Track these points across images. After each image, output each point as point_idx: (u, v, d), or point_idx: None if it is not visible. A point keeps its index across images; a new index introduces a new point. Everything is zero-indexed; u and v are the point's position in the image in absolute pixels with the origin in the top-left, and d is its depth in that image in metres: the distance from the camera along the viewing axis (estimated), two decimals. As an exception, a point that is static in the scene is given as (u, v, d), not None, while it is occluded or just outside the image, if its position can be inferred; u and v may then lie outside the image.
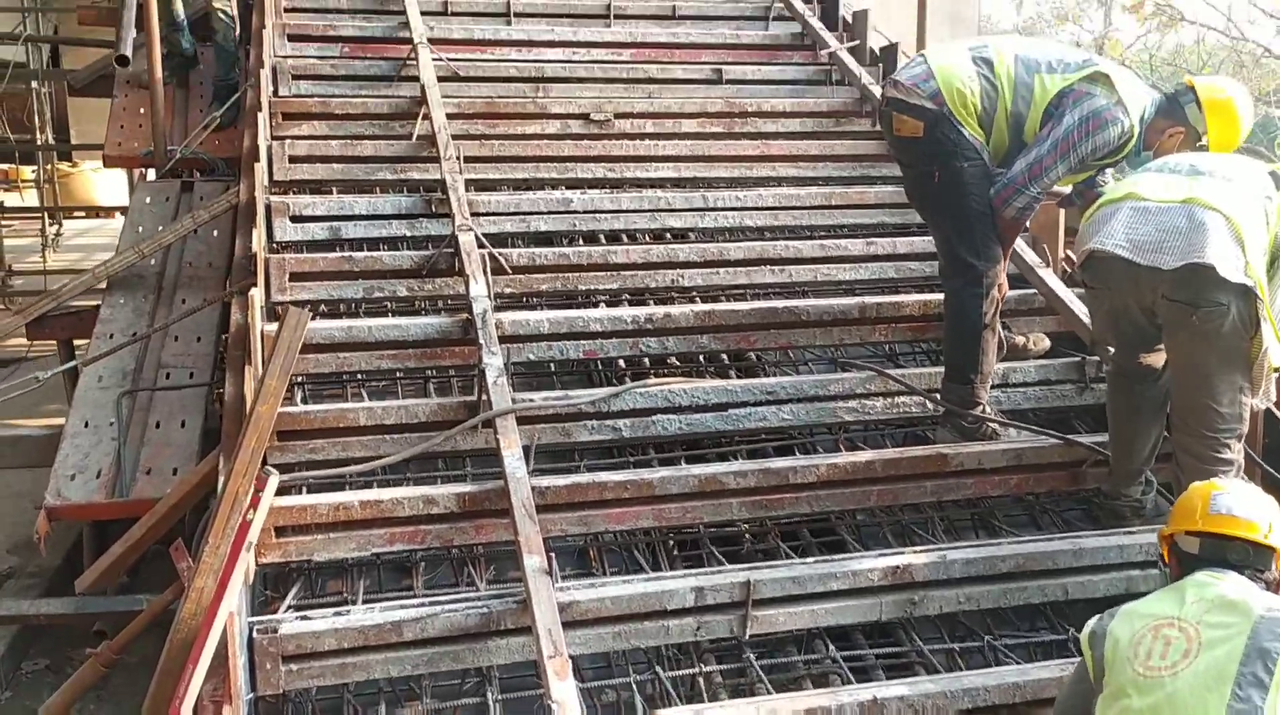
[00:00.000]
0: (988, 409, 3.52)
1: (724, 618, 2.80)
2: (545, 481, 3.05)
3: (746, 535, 3.30)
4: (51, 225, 13.42)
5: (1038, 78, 3.38)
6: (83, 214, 14.12)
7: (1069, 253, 4.20)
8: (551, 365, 3.85)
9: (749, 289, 4.14)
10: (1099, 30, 15.38)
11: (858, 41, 5.48)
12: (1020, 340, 3.82)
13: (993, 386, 3.57)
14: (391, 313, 3.91)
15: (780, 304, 3.84)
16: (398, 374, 3.71)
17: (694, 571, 2.88)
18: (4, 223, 11.68)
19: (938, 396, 3.57)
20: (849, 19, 5.74)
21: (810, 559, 2.97)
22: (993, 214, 3.35)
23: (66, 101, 14.57)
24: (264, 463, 2.97)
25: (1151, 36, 13.84)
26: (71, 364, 3.78)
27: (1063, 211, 4.17)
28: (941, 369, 3.61)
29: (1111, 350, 3.19)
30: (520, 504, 2.83)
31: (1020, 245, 4.02)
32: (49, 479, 3.48)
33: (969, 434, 3.47)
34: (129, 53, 4.00)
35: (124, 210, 6.63)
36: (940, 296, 3.76)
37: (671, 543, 3.26)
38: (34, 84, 11.80)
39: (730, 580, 2.79)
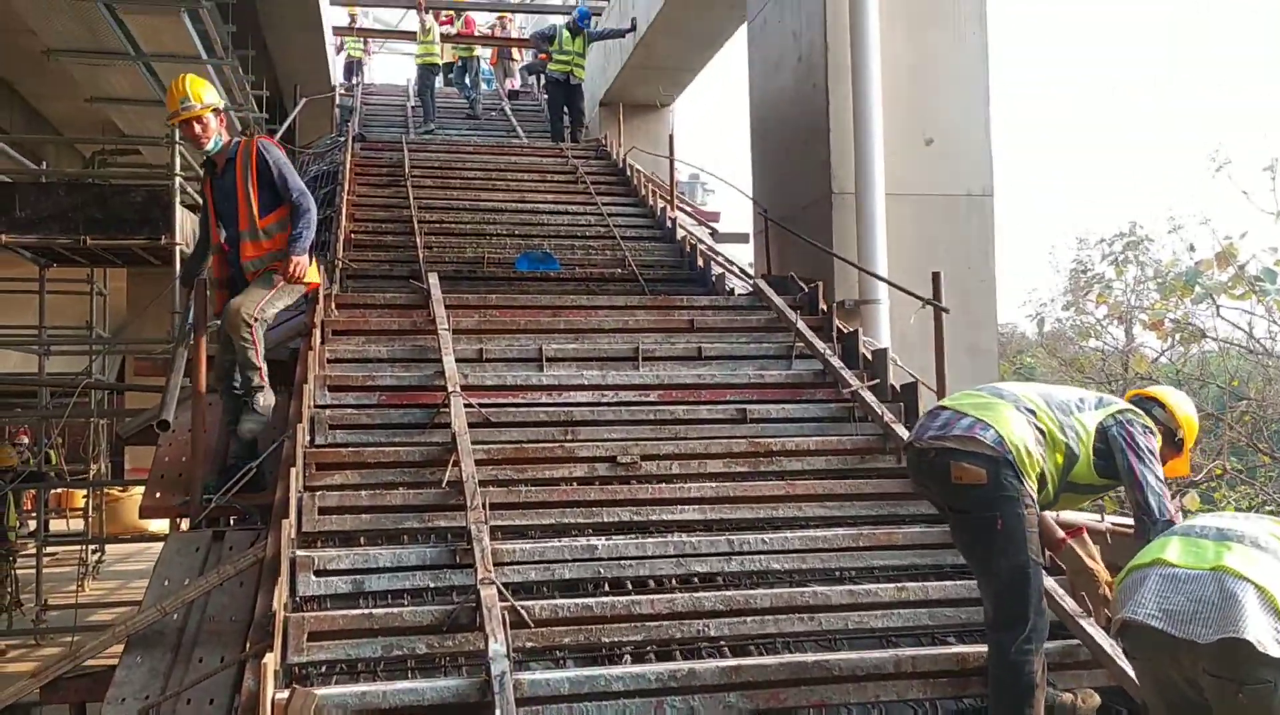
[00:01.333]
0: (1038, 773, 3.28)
1: None
2: None
3: None
4: (94, 552, 13.61)
5: (1075, 418, 3.63)
6: (127, 538, 14.32)
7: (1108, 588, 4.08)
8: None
9: (778, 638, 4.02)
10: (1122, 344, 15.76)
11: (878, 380, 5.63)
12: (1068, 698, 3.62)
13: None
14: (411, 672, 3.81)
15: (811, 658, 3.70)
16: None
17: None
18: (47, 551, 11.82)
19: (984, 761, 3.35)
20: (869, 356, 5.94)
21: None
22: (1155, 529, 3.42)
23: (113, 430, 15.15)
24: None
25: (1176, 350, 14.15)
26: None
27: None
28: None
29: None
30: None
31: (1059, 592, 3.91)
32: None
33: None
34: (171, 418, 4.19)
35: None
36: (981, 647, 3.61)
37: None
38: (92, 419, 12.38)
39: None
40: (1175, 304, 12.73)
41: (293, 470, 4.43)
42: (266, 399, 5.26)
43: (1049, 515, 3.87)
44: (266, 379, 5.28)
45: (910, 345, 6.50)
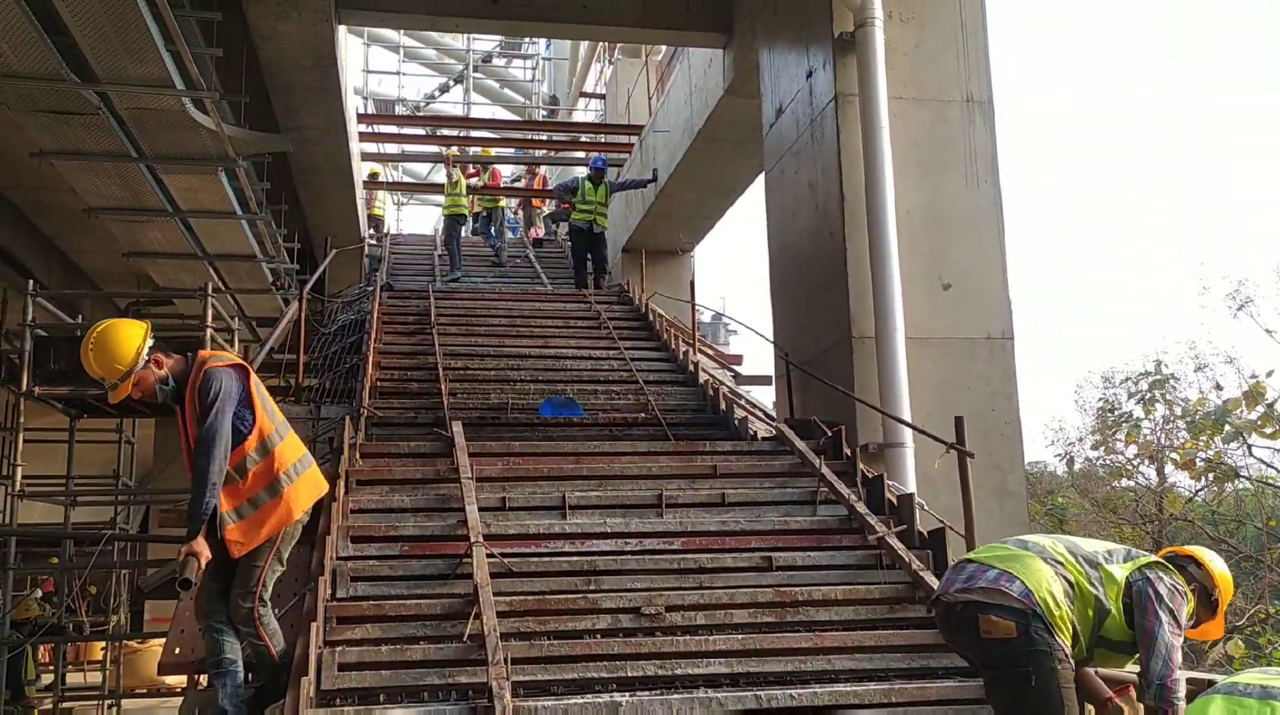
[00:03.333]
0: None
1: None
2: None
3: None
4: (111, 707, 13.35)
5: (1103, 571, 3.57)
6: (144, 691, 14.06)
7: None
8: None
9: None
10: (1154, 483, 15.54)
11: (905, 526, 5.56)
12: None
13: None
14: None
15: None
16: None
17: None
18: (64, 705, 11.63)
19: None
20: (895, 501, 5.88)
21: None
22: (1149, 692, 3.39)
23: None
24: None
25: (1210, 490, 13.94)
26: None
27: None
28: None
29: None
30: None
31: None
32: None
33: None
34: (193, 578, 4.12)
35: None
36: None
37: None
38: (115, 570, 12.33)
39: None
40: (1206, 442, 12.60)
41: (313, 626, 4.38)
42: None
43: (1091, 670, 3.76)
44: (279, 648, 4.44)
45: (937, 488, 6.43)
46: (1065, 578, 3.43)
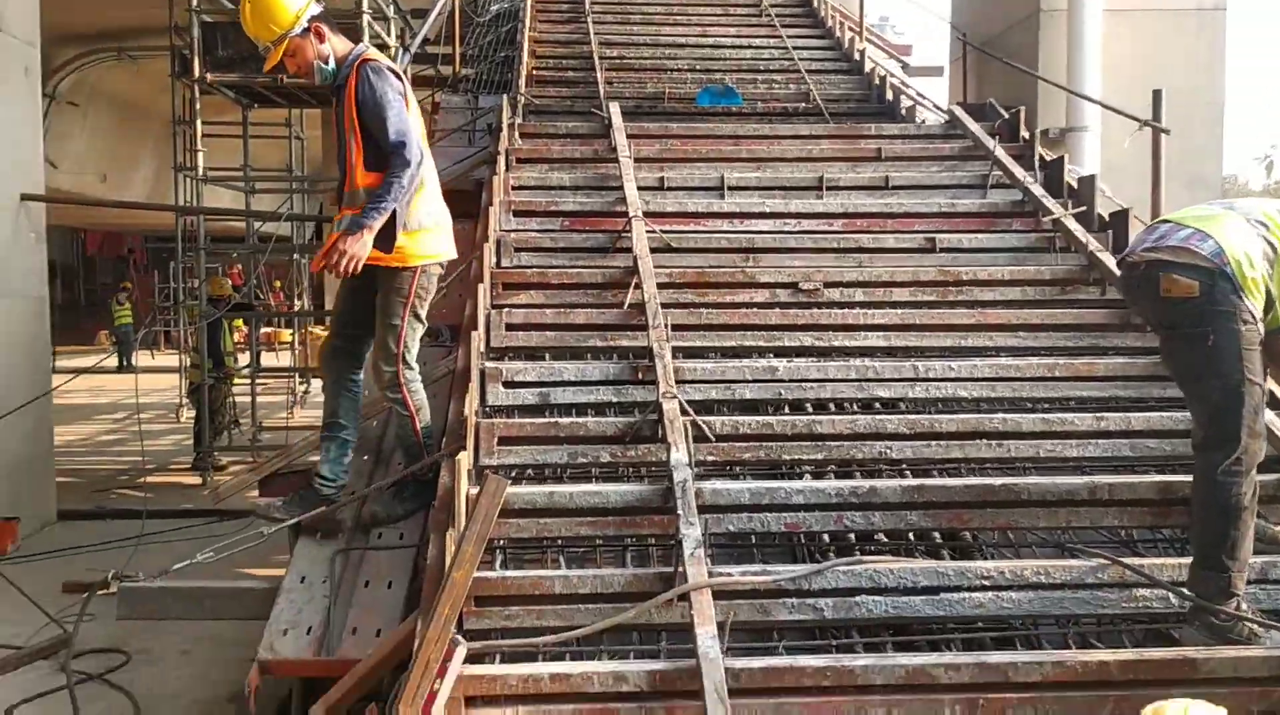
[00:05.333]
0: (1244, 605, 3.11)
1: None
2: (740, 663, 2.88)
3: (960, 737, 2.99)
4: (300, 384, 14.61)
5: None
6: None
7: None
8: (752, 537, 3.72)
9: (962, 463, 3.91)
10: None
11: (1084, 208, 5.27)
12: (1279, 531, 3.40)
13: (1249, 581, 3.16)
14: (594, 478, 3.92)
15: (999, 481, 3.59)
16: (597, 541, 3.67)
17: (900, 777, 2.61)
18: (260, 381, 12.76)
19: (1184, 590, 3.19)
20: (1074, 185, 5.56)
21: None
22: None
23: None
24: (459, 628, 2.97)
25: None
26: (294, 520, 3.95)
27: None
28: (1187, 561, 3.24)
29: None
30: (713, 687, 2.69)
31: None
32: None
33: (1222, 634, 3.06)
34: (338, 273, 4.19)
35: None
36: (1186, 477, 3.41)
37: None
38: (295, 256, 13.11)
39: (941, 791, 2.52)
40: None
41: (480, 287, 4.54)
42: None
43: None
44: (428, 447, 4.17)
45: (1122, 177, 6.05)
46: (1268, 240, 3.17)
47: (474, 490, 3.47)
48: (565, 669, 2.88)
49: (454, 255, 4.39)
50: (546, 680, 2.84)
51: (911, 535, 3.70)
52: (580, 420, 3.97)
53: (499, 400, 4.16)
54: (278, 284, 18.85)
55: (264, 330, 16.60)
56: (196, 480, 10.20)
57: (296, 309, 13.76)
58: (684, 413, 3.79)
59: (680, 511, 3.29)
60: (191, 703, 4.77)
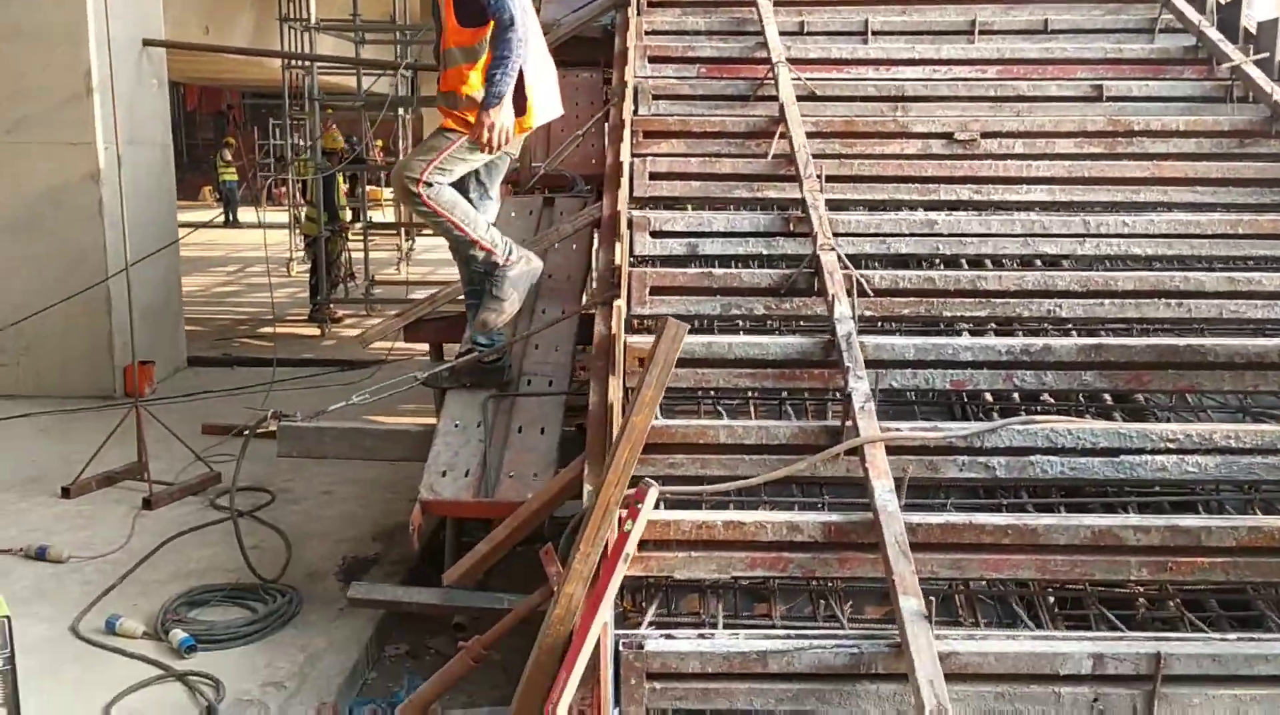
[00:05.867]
0: None
1: (1126, 692, 2.45)
2: (916, 518, 2.82)
3: (1140, 599, 2.92)
4: (406, 241, 14.74)
5: None
6: (431, 232, 15.41)
7: None
8: (911, 394, 3.63)
9: (1136, 324, 3.73)
10: None
11: (1265, 54, 4.87)
12: None
13: None
14: (743, 331, 3.84)
15: (1182, 341, 3.40)
16: (752, 393, 3.62)
17: (1091, 635, 2.56)
18: (372, 236, 12.88)
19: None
20: (1252, 29, 5.13)
21: (1232, 635, 2.57)
22: None
23: (423, 125, 15.93)
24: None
25: None
26: (448, 365, 3.97)
27: None
28: (1388, 428, 3.06)
29: None
30: (893, 540, 2.64)
31: None
32: (422, 474, 3.67)
33: None
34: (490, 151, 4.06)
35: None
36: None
37: (1052, 599, 2.95)
38: (400, 110, 13.01)
39: (1136, 650, 2.45)
40: None
41: (625, 133, 4.40)
42: (517, 270, 4.09)
43: None
44: (501, 247, 4.07)
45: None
46: None
47: (632, 339, 3.44)
48: (738, 517, 2.85)
49: (557, 112, 4.26)
50: (720, 527, 2.82)
51: (1082, 396, 3.56)
52: (733, 271, 3.86)
53: (645, 249, 4.06)
54: (379, 143, 18.86)
55: (368, 187, 16.71)
56: (315, 331, 10.43)
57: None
58: (842, 266, 3.66)
59: (847, 365, 3.20)
60: (338, 541, 4.95)
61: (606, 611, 2.37)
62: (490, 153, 4.04)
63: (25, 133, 7.32)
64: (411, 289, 11.63)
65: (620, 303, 3.44)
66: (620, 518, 2.58)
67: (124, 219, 6.15)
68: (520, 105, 4.00)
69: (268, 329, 10.64)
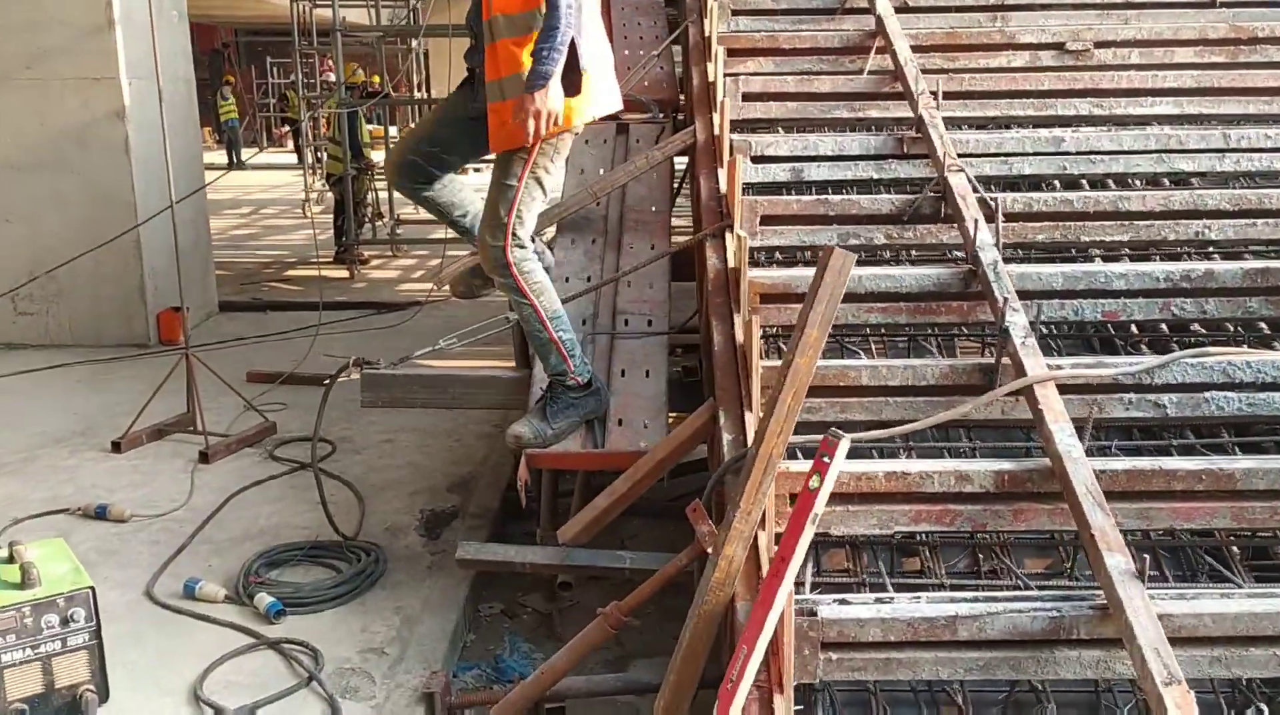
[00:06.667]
0: None
1: (1359, 653, 2.22)
2: (1097, 464, 2.55)
3: (1339, 548, 2.68)
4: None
5: None
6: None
7: None
8: (1051, 327, 3.35)
9: (1284, 246, 3.45)
10: None
11: (1396, -51, 4.51)
12: None
13: None
14: (860, 262, 3.54)
15: (1357, 264, 3.12)
16: (881, 330, 3.34)
17: (1316, 591, 2.31)
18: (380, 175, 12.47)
19: None
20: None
21: None
22: None
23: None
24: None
25: None
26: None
27: None
28: None
29: None
30: (1084, 489, 2.37)
31: None
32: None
33: None
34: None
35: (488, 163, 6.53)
36: None
37: (1236, 550, 2.70)
38: (414, 42, 12.54)
39: (1373, 607, 2.21)
40: None
41: (715, 51, 4.06)
42: (588, 404, 3.38)
43: None
44: (579, 365, 3.35)
45: None
46: None
47: (755, 272, 3.15)
48: (901, 467, 2.59)
49: (616, 107, 3.48)
50: (881, 479, 2.56)
51: (1239, 327, 3.28)
52: (851, 198, 3.56)
53: (747, 177, 3.75)
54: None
55: (368, 127, 16.25)
56: (344, 273, 10.10)
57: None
58: (973, 189, 3.36)
59: (1000, 296, 2.91)
60: (413, 493, 4.71)
61: (791, 579, 2.11)
62: (540, 139, 3.20)
63: (46, 68, 6.95)
64: (434, 230, 11.26)
65: (742, 232, 3.15)
66: (805, 473, 2.32)
67: (167, 154, 5.86)
68: (574, 84, 3.18)
69: (294, 273, 10.33)
